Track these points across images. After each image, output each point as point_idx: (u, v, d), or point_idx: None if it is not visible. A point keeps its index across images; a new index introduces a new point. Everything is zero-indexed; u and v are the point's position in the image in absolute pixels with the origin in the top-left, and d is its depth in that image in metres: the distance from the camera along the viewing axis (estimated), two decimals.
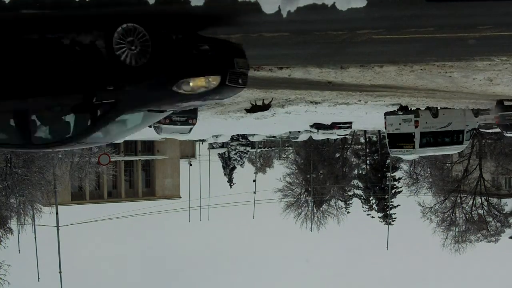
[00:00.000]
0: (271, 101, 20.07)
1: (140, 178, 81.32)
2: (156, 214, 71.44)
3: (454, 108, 32.52)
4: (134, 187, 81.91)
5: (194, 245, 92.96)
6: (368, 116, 39.31)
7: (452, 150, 36.87)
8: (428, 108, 31.83)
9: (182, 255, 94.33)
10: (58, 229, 40.33)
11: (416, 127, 31.32)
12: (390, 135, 32.58)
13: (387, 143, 33.13)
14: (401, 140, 32.01)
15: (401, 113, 31.82)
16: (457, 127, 33.10)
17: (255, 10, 8.39)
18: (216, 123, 40.94)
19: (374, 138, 76.99)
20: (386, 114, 32.57)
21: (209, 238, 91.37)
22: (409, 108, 31.97)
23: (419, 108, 31.90)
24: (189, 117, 27.11)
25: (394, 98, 26.67)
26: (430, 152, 35.30)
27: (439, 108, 32.10)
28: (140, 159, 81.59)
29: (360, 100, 27.85)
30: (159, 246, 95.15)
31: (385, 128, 32.79)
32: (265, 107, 24.12)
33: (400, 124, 31.88)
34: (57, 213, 40.43)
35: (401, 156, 35.70)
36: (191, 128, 28.68)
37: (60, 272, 40.46)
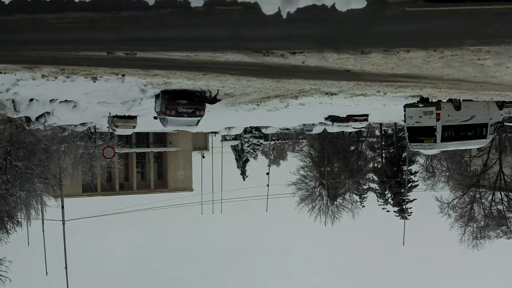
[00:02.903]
0: (216, 94, 18.88)
1: (152, 170, 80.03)
2: (168, 207, 70.25)
3: (477, 100, 30.41)
4: (146, 179, 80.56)
5: (206, 238, 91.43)
6: (385, 109, 37.24)
7: (475, 145, 34.66)
8: (450, 100, 29.72)
9: (194, 248, 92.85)
10: (64, 224, 38.66)
11: (437, 120, 29.21)
12: (409, 129, 30.46)
13: (406, 136, 31.00)
14: (422, 134, 29.91)
15: (422, 105, 29.71)
16: (481, 120, 31.00)
17: None
18: (227, 115, 39.14)
19: (390, 131, 75.05)
20: (406, 106, 30.47)
21: (221, 231, 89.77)
22: (430, 100, 29.88)
23: (440, 100, 29.80)
24: (197, 108, 25.18)
25: (416, 89, 24.59)
26: (452, 146, 33.10)
27: (461, 100, 30.00)
28: (152, 151, 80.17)
29: (379, 91, 25.81)
30: (171, 239, 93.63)
31: (404, 121, 30.71)
32: (212, 100, 22.85)
33: (420, 117, 29.79)
34: (62, 207, 38.78)
35: (421, 150, 33.53)
36: (198, 120, 26.72)
37: (66, 267, 38.77)
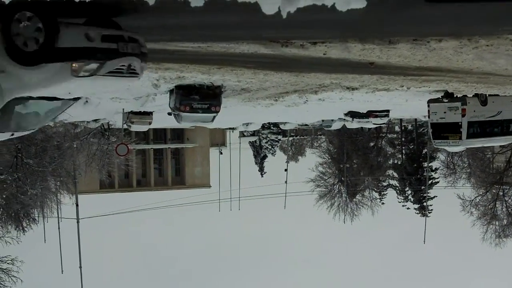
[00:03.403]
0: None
1: (169, 166, 79.25)
2: (185, 203, 69.53)
3: (505, 95, 29.06)
4: (164, 176, 79.77)
5: (223, 235, 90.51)
6: (407, 104, 35.90)
7: (502, 142, 33.26)
8: (476, 95, 28.38)
9: (212, 245, 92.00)
10: (78, 222, 37.77)
11: (463, 116, 27.80)
12: (433, 125, 29.08)
13: (430, 133, 29.62)
14: (446, 131, 28.52)
15: (447, 100, 28.35)
16: (508, 116, 29.52)
17: None
18: (244, 110, 38.01)
19: (410, 127, 73.57)
20: (430, 101, 29.09)
21: (239, 228, 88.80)
22: (455, 95, 28.55)
23: (466, 95, 28.46)
24: (212, 104, 24.02)
25: (442, 83, 23.35)
26: (478, 143, 31.67)
27: (487, 95, 28.65)
28: (169, 147, 79.30)
29: (403, 86, 24.59)
30: (187, 236, 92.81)
31: (428, 117, 29.33)
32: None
33: (445, 112, 28.39)
34: (77, 205, 37.92)
35: (446, 148, 32.21)
36: (214, 117, 25.58)
37: (80, 267, 37.88)
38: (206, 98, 23.87)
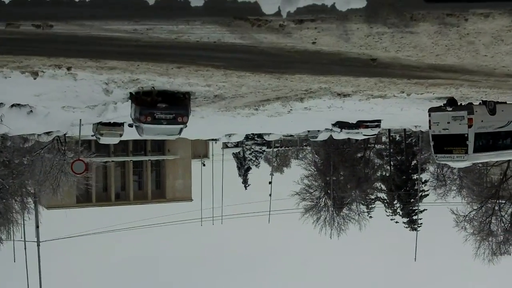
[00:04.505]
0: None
1: (149, 179, 74.76)
2: (166, 218, 65.75)
3: None
4: (144, 189, 75.33)
5: (206, 250, 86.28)
6: (402, 114, 31.79)
7: (511, 156, 29.03)
8: (483, 103, 24.31)
9: (194, 261, 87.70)
10: (38, 245, 33.31)
11: (469, 126, 23.67)
12: (435, 137, 24.91)
13: (431, 146, 25.43)
14: (450, 143, 24.36)
15: (450, 109, 24.21)
16: None
17: None
18: (222, 121, 33.93)
19: (398, 137, 69.70)
20: (431, 110, 24.93)
21: (222, 243, 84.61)
22: (459, 103, 24.47)
23: (471, 103, 24.38)
24: (178, 114, 19.76)
25: (451, 88, 19.28)
26: (486, 158, 27.50)
27: (495, 102, 24.60)
28: (150, 159, 74.89)
29: (403, 92, 20.47)
30: (168, 251, 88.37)
31: (429, 128, 25.19)
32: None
33: (449, 123, 24.24)
34: (37, 227, 33.43)
35: (449, 163, 28.02)
36: (181, 129, 21.30)
37: None
38: (172, 107, 19.64)
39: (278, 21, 8.84)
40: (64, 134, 32.41)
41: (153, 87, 18.24)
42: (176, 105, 19.57)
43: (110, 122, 34.33)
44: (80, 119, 25.21)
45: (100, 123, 35.53)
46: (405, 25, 9.13)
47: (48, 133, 29.13)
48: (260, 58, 12.51)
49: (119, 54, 12.41)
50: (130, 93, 18.60)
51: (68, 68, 13.74)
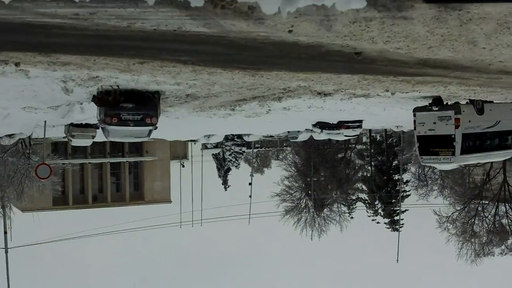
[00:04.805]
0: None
1: (127, 181, 73.04)
2: (145, 221, 64.16)
3: (505, 102, 23.77)
4: (122, 191, 73.51)
5: (186, 253, 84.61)
6: (384, 114, 30.38)
7: (500, 157, 27.63)
8: (471, 102, 22.93)
9: (173, 264, 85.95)
10: (6, 252, 31.49)
11: (456, 127, 22.29)
12: (421, 138, 23.50)
13: (417, 147, 24.02)
14: (436, 145, 22.96)
15: (436, 108, 22.79)
16: (507, 126, 24.17)
17: None
18: (199, 121, 32.33)
19: (379, 138, 68.50)
20: (416, 110, 23.54)
21: (202, 245, 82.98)
22: (445, 102, 23.06)
23: (458, 102, 23.00)
24: (147, 114, 18.15)
25: (439, 86, 17.83)
26: (473, 159, 26.14)
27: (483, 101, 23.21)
28: (127, 161, 73.11)
29: (387, 90, 18.98)
30: (147, 254, 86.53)
31: (414, 128, 23.78)
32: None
33: (434, 123, 22.83)
34: (5, 233, 31.59)
35: (435, 165, 26.62)
36: (150, 130, 19.65)
37: None
38: (140, 107, 18.03)
39: (246, 3, 7.34)
40: (29, 137, 30.63)
41: (117, 85, 16.65)
42: (144, 105, 17.96)
43: (82, 124, 32.80)
44: (45, 121, 23.51)
45: (72, 125, 33.95)
46: (398, 8, 7.66)
47: (10, 136, 27.34)
48: (231, 52, 10.99)
49: (70, 48, 10.83)
50: (101, 92, 16.96)
51: (16, 64, 12.12)
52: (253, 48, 10.43)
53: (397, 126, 49.67)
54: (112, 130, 19.02)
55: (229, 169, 79.16)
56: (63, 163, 66.29)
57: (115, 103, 17.26)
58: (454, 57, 11.86)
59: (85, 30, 8.85)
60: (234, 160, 77.76)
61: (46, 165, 24.49)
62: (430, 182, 61.68)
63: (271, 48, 10.24)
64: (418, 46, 10.24)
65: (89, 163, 70.60)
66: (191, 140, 69.86)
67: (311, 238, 63.31)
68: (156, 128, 19.58)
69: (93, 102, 17.98)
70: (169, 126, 34.96)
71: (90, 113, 22.30)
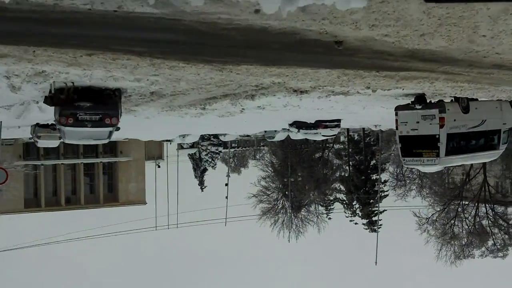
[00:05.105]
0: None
1: (101, 182, 70.99)
2: (119, 223, 62.66)
3: (490, 99, 22.28)
4: (95, 192, 71.38)
5: (161, 255, 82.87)
6: (363, 113, 28.84)
7: (485, 158, 26.15)
8: (456, 100, 21.43)
9: (149, 265, 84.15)
10: None
11: (441, 126, 20.82)
12: (403, 138, 21.99)
13: (399, 148, 22.50)
14: (420, 145, 21.46)
15: (419, 107, 21.29)
16: (493, 126, 22.78)
17: None
18: (171, 121, 30.56)
19: (357, 137, 67.16)
20: (398, 108, 22.03)
21: (177, 247, 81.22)
22: (429, 100, 21.56)
23: (442, 100, 21.48)
24: (106, 114, 16.42)
25: (425, 82, 16.21)
26: (458, 161, 24.57)
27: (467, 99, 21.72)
28: (101, 161, 71.04)
29: (369, 87, 17.33)
30: (122, 258, 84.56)
31: (396, 128, 22.27)
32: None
33: (418, 122, 21.34)
34: None
35: (419, 167, 25.16)
36: (110, 132, 17.87)
37: None
38: (98, 106, 16.26)
39: None
40: None
41: (72, 82, 14.89)
42: (103, 104, 16.19)
43: (48, 124, 31.14)
44: (1, 121, 21.67)
45: (38, 125, 32.25)
46: None
47: None
48: (190, 40, 9.32)
49: (1, 36, 9.08)
50: (56, 90, 15.13)
51: None
52: (215, 36, 8.78)
53: (376, 125, 48.29)
54: (68, 131, 17.23)
55: (205, 170, 77.42)
56: (35, 164, 64.33)
57: (68, 102, 15.49)
58: (447, 48, 10.30)
59: (8, 11, 7.16)
60: (210, 160, 76.02)
61: (2, 169, 22.67)
62: (408, 182, 60.48)
63: (236, 35, 8.60)
64: (410, 33, 8.67)
65: (62, 164, 68.48)
66: (166, 140, 68.07)
67: (289, 240, 61.90)
68: (118, 129, 17.83)
69: (45, 103, 16.24)
70: (140, 126, 33.26)
71: (51, 113, 20.55)
